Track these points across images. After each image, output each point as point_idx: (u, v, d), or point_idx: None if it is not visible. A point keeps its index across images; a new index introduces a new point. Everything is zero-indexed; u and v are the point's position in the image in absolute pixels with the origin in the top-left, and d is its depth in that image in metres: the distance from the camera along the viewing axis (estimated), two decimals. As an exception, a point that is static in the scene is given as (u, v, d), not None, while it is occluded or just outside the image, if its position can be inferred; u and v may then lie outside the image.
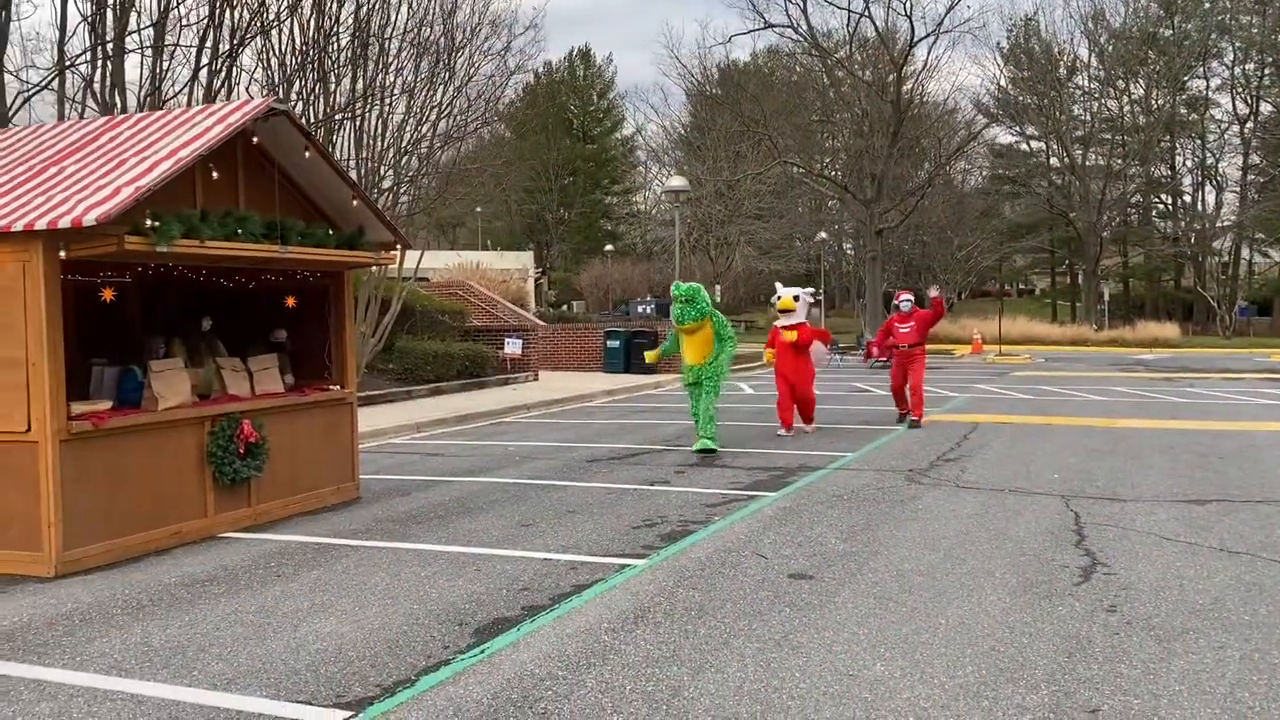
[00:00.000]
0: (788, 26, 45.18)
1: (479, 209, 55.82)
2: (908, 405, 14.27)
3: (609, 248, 60.11)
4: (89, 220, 6.27)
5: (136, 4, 16.51)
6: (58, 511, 6.57)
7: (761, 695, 4.44)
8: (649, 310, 39.22)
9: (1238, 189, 58.31)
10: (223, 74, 17.19)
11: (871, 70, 48.22)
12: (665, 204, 49.00)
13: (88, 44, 16.46)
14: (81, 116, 15.48)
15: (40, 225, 6.38)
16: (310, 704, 4.42)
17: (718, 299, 34.52)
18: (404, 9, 19.38)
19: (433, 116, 19.93)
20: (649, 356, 13.17)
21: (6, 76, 15.96)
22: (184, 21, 17.10)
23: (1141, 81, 57.95)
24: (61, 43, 16.36)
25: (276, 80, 17.86)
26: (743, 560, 6.73)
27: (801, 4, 45.13)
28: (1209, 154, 58.86)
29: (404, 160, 19.70)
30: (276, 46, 17.99)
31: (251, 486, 8.06)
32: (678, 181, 29.04)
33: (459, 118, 20.72)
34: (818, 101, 53.23)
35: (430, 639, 5.23)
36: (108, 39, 16.26)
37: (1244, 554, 6.81)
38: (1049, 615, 5.50)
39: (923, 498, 8.88)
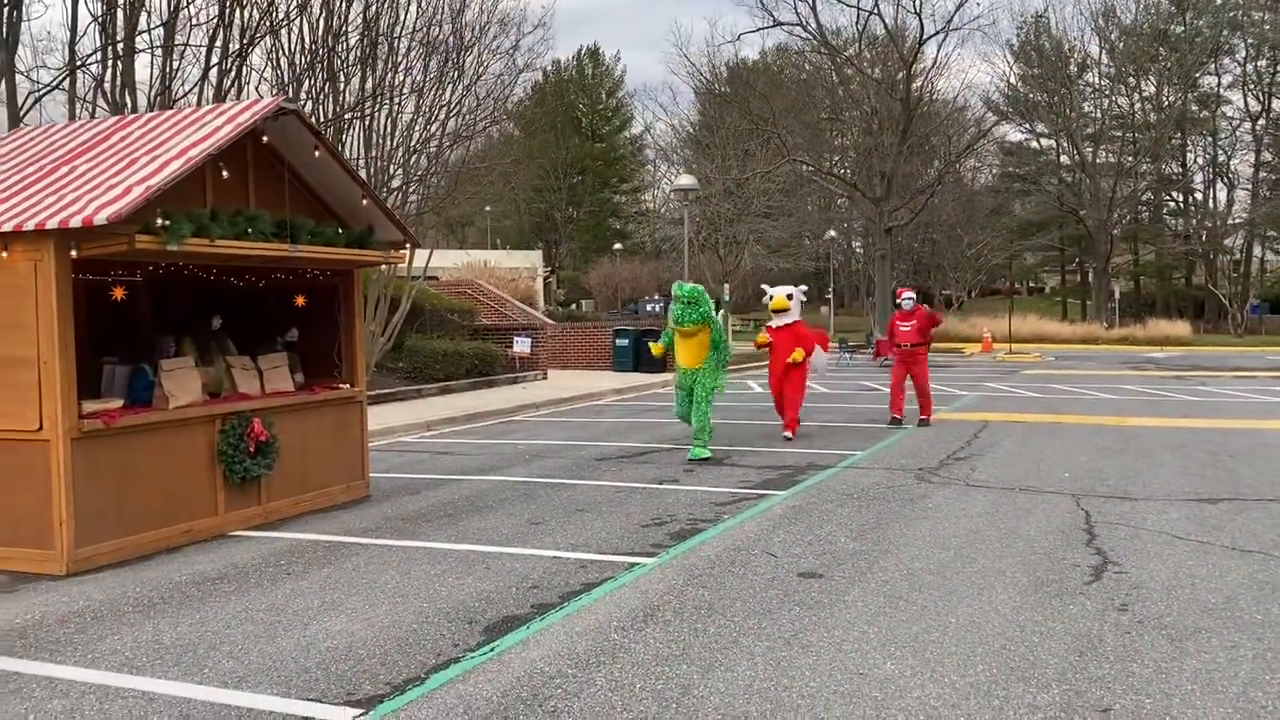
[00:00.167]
0: (797, 24, 45.08)
1: (488, 208, 55.82)
2: (901, 407, 14.04)
3: (617, 246, 60.10)
4: (100, 219, 6.29)
5: (147, 4, 16.57)
6: (69, 509, 6.60)
7: (771, 694, 4.43)
8: (657, 309, 39.19)
9: (1249, 186, 58.08)
10: (232, 73, 17.25)
11: (881, 68, 48.07)
12: (674, 202, 48.87)
13: (98, 44, 16.52)
14: (92, 116, 15.53)
15: (52, 224, 6.41)
16: (321, 701, 4.43)
17: (727, 297, 34.51)
18: (413, 8, 19.45)
19: (442, 115, 19.98)
20: (655, 349, 12.70)
21: (18, 76, 16.03)
22: (194, 21, 17.18)
23: (1152, 78, 57.73)
24: (72, 43, 16.42)
25: (286, 79, 17.90)
26: (752, 559, 6.72)
27: (810, 2, 45.46)
28: (1220, 151, 58.66)
29: (413, 159, 19.74)
30: (286, 46, 18.06)
31: (262, 485, 8.09)
32: (686, 180, 29.03)
33: (468, 117, 20.76)
34: (827, 99, 53.11)
35: (440, 637, 5.24)
36: (118, 39, 16.32)
37: (1256, 553, 6.78)
38: (1060, 614, 5.48)
39: (933, 496, 8.86)
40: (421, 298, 22.06)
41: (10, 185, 7.32)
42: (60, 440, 6.56)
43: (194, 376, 7.69)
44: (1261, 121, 56.40)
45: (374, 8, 18.60)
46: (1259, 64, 56.47)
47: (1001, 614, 5.49)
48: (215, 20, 16.96)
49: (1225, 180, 58.92)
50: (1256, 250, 59.89)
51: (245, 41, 17.20)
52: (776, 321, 13.22)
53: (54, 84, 16.55)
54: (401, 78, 19.30)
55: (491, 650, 5.02)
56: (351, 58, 18.75)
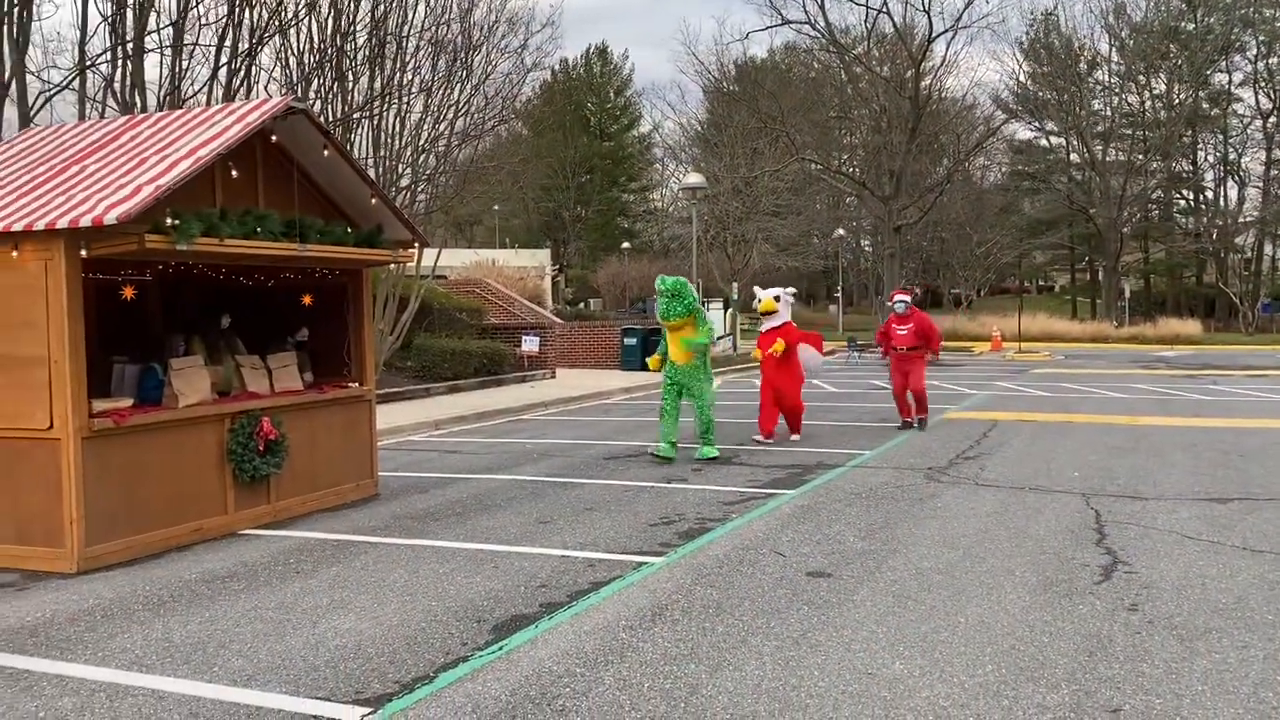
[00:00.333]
0: (805, 23, 45.09)
1: (496, 207, 55.91)
2: (910, 411, 13.82)
3: (626, 245, 60.05)
4: (110, 219, 6.31)
5: (156, 4, 16.64)
6: (80, 508, 6.62)
7: (780, 693, 4.43)
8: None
9: (1260, 184, 57.73)
10: (241, 73, 17.30)
11: (889, 66, 48.02)
12: (682, 201, 48.88)
13: (108, 44, 16.59)
14: (102, 116, 15.58)
15: (62, 224, 6.43)
16: (329, 700, 4.44)
17: (735, 296, 34.44)
18: (421, 7, 19.47)
19: (450, 115, 19.99)
20: (651, 364, 12.20)
21: (28, 76, 16.10)
22: (203, 21, 17.23)
23: (1163, 76, 57.46)
24: (82, 43, 16.49)
25: (295, 79, 17.94)
26: (761, 558, 6.72)
27: (819, 0, 44.98)
28: (1231, 149, 58.41)
29: (422, 158, 19.76)
30: (295, 45, 18.09)
31: (271, 483, 8.11)
32: (695, 178, 29.04)
33: (476, 116, 20.77)
34: (835, 98, 53.03)
35: (449, 636, 5.25)
36: (128, 39, 16.38)
37: (1267, 553, 6.75)
38: (1069, 614, 5.46)
39: (942, 496, 8.84)
40: (430, 297, 22.09)
41: (21, 185, 7.35)
42: (71, 439, 6.59)
43: (203, 375, 7.71)
44: (1273, 119, 56.05)
45: (382, 7, 18.62)
46: (1270, 61, 56.12)
47: (1011, 614, 5.47)
48: (224, 20, 17.02)
49: (1236, 178, 58.72)
50: (1268, 248, 59.60)
51: (254, 41, 17.25)
52: (766, 325, 12.93)
53: (64, 84, 16.64)
54: (410, 77, 19.33)
55: (500, 649, 5.02)
56: (360, 57, 18.79)
